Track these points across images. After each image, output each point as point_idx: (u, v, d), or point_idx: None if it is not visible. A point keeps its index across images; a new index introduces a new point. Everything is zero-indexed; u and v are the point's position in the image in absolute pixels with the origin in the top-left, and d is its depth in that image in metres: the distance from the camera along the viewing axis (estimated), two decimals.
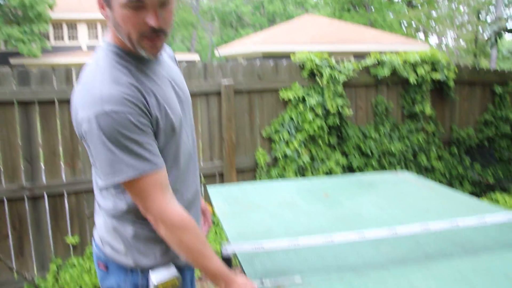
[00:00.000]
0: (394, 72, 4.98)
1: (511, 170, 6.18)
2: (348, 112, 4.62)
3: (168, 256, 1.32)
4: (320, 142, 4.49)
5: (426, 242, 1.68)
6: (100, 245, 1.36)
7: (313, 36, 16.76)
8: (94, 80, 1.17)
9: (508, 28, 5.14)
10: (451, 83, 5.33)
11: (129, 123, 1.13)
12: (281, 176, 4.30)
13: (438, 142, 5.45)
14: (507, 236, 1.74)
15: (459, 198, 2.26)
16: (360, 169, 4.73)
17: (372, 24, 28.19)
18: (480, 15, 26.91)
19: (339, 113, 4.58)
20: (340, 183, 2.62)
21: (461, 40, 25.34)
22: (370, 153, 4.84)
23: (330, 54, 4.76)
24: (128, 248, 1.29)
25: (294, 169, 4.33)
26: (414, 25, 29.24)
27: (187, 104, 1.39)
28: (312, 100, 4.40)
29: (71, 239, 3.54)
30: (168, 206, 1.21)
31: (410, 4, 29.21)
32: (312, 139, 4.47)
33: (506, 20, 5.12)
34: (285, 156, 4.34)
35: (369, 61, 4.93)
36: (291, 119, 4.41)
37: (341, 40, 16.92)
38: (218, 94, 4.01)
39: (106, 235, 1.33)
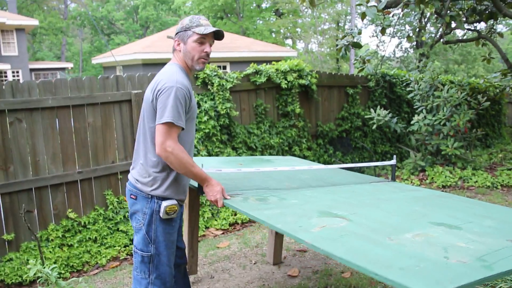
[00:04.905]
0: (269, 79, 6.09)
1: (364, 156, 7.71)
2: (235, 113, 5.60)
3: (171, 191, 2.29)
4: (214, 139, 5.40)
5: (310, 179, 2.84)
6: (134, 183, 2.33)
7: None
8: (172, 75, 2.26)
9: (354, 42, 6.53)
10: (314, 87, 6.62)
11: (185, 97, 2.23)
12: None
13: (307, 135, 6.70)
14: (352, 179, 2.84)
15: (330, 167, 3.40)
16: None
17: (244, 32, 29.92)
18: (339, 23, 30.10)
19: (228, 115, 5.54)
20: (248, 159, 3.60)
21: (325, 46, 28.12)
22: (254, 147, 5.88)
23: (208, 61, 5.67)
24: (153, 186, 2.27)
25: None
26: (282, 33, 31.62)
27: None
28: (206, 104, 5.30)
29: (7, 236, 3.99)
30: (178, 144, 2.21)
31: (277, 13, 31.53)
32: (208, 137, 5.37)
33: (354, 35, 6.50)
34: None
35: (249, 71, 5.98)
36: None
37: (217, 48, 18.03)
38: (129, 102, 4.71)
39: (141, 178, 2.30)
